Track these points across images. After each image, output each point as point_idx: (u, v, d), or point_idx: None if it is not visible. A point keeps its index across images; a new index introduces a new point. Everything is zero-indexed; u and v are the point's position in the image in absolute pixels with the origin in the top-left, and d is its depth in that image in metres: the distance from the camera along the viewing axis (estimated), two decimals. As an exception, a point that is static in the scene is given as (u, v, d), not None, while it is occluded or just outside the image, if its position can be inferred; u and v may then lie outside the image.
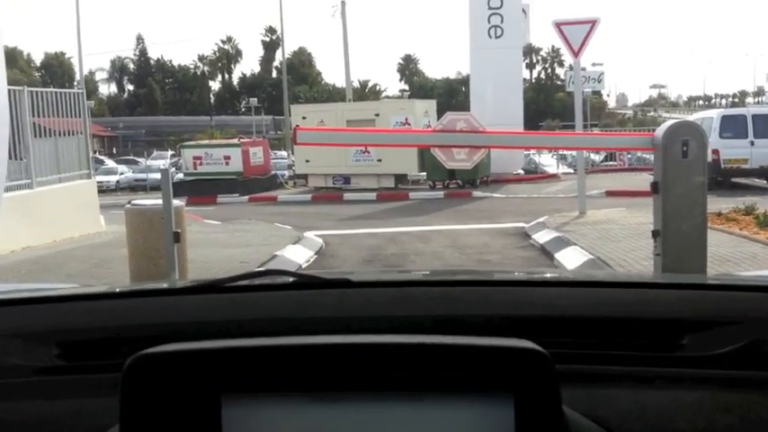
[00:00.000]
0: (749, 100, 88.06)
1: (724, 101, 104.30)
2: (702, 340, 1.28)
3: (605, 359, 1.26)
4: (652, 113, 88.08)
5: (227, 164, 24.96)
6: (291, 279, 1.54)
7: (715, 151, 18.60)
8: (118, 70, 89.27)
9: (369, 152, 22.71)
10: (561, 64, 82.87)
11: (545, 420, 0.97)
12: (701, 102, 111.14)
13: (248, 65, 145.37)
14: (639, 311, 1.36)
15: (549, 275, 2.18)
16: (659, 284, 1.70)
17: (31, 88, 12.78)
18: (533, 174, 27.88)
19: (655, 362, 1.26)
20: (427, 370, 0.99)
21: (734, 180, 19.76)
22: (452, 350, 1.00)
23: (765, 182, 19.89)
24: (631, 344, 1.30)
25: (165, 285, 1.90)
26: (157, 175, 7.81)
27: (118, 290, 1.80)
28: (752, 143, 19.16)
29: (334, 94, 70.74)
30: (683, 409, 1.14)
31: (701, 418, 1.13)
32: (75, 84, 63.79)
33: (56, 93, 13.56)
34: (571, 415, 1.06)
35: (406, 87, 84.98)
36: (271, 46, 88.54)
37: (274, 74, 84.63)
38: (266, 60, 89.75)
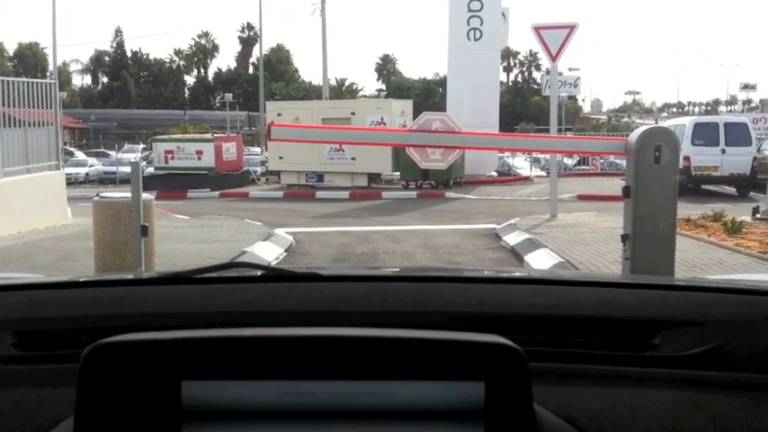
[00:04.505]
0: (722, 108, 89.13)
1: (697, 109, 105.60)
2: (673, 340, 1.28)
3: (577, 358, 1.26)
4: (626, 119, 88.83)
5: (199, 159, 24.77)
6: (260, 272, 1.50)
7: (686, 158, 18.82)
8: (94, 62, 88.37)
9: (343, 150, 22.66)
10: (538, 68, 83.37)
11: (514, 409, 0.95)
12: (674, 109, 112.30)
13: (224, 60, 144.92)
14: (612, 311, 1.36)
15: (519, 274, 2.16)
16: (631, 284, 1.69)
17: (1, 77, 12.59)
18: (506, 176, 28.01)
19: (626, 361, 1.26)
20: (398, 363, 0.96)
21: (704, 187, 20.01)
22: (425, 345, 0.97)
23: (735, 190, 20.15)
24: (603, 343, 1.30)
25: (130, 276, 1.85)
26: (128, 169, 7.73)
27: (79, 279, 1.75)
28: (723, 151, 19.41)
29: (311, 92, 70.55)
30: (654, 409, 1.14)
31: (671, 418, 1.13)
32: (48, 74, 63.02)
33: (27, 83, 13.36)
34: (541, 413, 1.05)
35: (384, 87, 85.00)
36: (248, 42, 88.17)
37: (251, 70, 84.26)
38: (243, 56, 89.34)
